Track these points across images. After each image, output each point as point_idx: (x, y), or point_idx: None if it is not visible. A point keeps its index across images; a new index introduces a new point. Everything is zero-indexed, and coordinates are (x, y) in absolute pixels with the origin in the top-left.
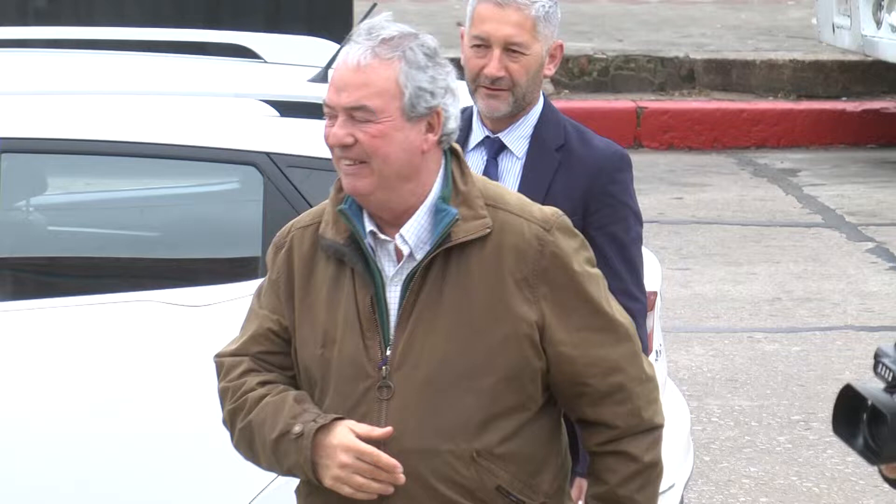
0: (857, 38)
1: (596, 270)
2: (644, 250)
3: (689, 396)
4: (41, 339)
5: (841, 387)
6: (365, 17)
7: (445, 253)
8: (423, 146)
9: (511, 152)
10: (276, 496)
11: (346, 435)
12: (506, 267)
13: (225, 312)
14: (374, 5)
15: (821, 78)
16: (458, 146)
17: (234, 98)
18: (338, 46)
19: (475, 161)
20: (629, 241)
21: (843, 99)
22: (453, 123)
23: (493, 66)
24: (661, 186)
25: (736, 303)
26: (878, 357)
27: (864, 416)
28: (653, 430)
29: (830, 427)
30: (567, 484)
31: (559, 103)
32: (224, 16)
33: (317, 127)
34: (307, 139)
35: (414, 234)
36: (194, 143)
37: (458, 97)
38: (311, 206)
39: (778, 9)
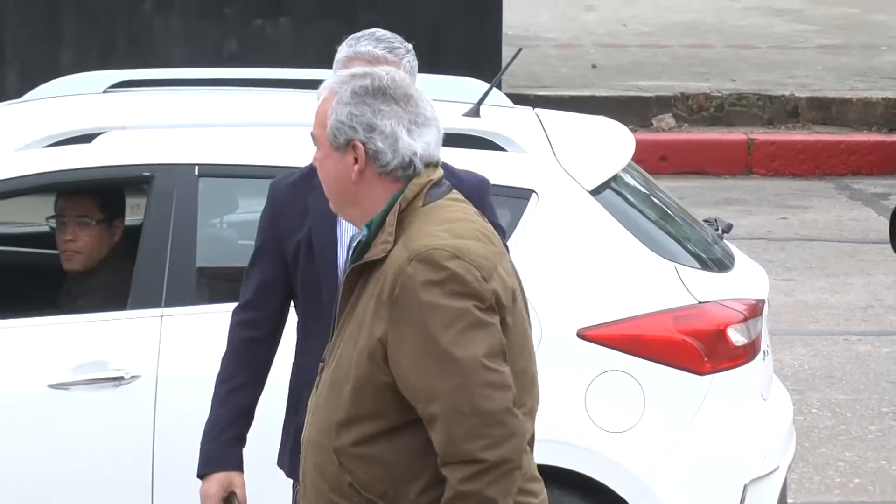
0: None
1: (449, 303)
2: (745, 260)
3: (792, 390)
4: None
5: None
6: (511, 60)
7: (366, 269)
8: (352, 176)
9: None
10: None
11: None
12: (379, 289)
13: None
14: (520, 50)
15: None
16: (427, 177)
17: None
18: (487, 85)
19: None
20: None
21: None
22: (387, 157)
23: None
24: (768, 208)
25: (833, 309)
26: None
27: None
28: (472, 462)
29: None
30: None
31: (680, 136)
32: None
33: (470, 154)
34: (461, 165)
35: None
36: None
37: (391, 135)
38: None
39: (873, 54)
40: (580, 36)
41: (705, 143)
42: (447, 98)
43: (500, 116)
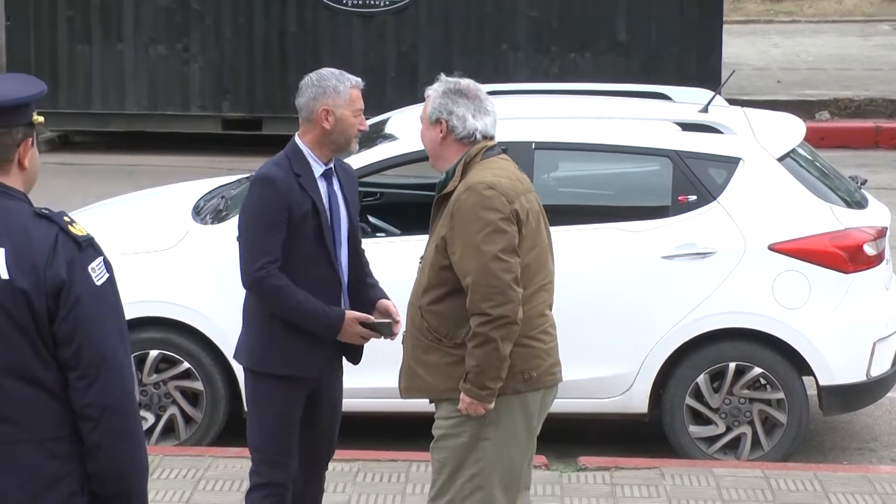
0: None
1: (482, 215)
2: (874, 202)
3: None
4: (568, 249)
5: None
6: (728, 78)
7: (443, 199)
8: (438, 140)
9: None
10: None
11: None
12: (447, 209)
13: (653, 234)
14: (733, 72)
15: None
16: (487, 143)
17: (658, 121)
18: (712, 94)
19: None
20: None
21: None
22: (459, 130)
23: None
24: (889, 169)
25: None
26: None
27: None
28: (483, 314)
29: None
30: None
31: (833, 124)
32: (660, 75)
33: (704, 137)
34: (697, 143)
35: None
36: (640, 143)
37: (462, 118)
38: (700, 181)
39: None
40: (770, 63)
41: (849, 129)
42: (689, 101)
43: (720, 112)
